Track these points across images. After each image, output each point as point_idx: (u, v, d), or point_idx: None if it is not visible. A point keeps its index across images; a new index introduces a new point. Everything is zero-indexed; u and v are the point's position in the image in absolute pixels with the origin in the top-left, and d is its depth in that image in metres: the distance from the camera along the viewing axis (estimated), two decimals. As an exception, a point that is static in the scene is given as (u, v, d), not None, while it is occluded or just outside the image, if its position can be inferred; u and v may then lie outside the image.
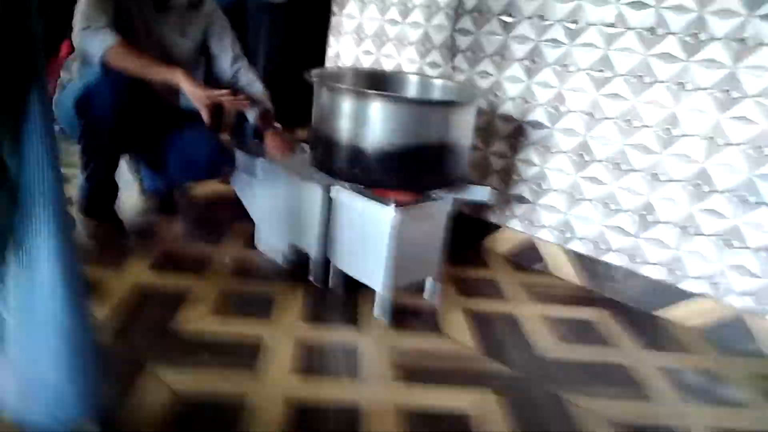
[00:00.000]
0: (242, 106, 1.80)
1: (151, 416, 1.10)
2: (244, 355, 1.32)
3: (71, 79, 1.82)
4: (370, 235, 1.52)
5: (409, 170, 1.45)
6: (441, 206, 1.59)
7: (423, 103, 1.45)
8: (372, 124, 1.41)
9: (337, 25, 2.46)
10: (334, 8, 2.45)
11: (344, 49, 2.46)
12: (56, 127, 2.69)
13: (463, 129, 1.48)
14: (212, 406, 1.15)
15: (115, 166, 1.84)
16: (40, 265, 0.72)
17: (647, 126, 1.70)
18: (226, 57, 1.96)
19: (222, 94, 1.69)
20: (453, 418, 1.20)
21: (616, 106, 1.75)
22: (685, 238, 1.69)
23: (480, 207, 2.12)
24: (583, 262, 1.89)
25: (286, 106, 2.06)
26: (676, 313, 1.72)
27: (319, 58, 2.51)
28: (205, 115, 1.68)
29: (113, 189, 1.87)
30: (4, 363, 0.74)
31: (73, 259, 0.77)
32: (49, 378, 0.75)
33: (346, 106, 1.44)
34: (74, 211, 1.87)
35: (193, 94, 1.66)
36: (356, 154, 1.45)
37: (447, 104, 1.45)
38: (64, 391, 0.76)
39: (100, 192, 1.82)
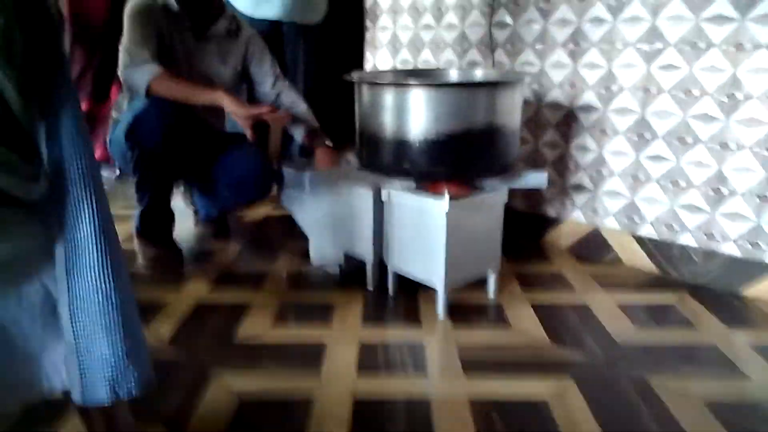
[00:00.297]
0: (283, 120, 1.82)
1: (220, 421, 1.07)
2: (308, 359, 1.29)
3: (122, 117, 1.89)
4: (424, 232, 1.48)
5: (458, 158, 1.41)
6: (495, 197, 1.53)
7: (465, 86, 1.41)
8: (416, 115, 1.38)
9: (371, 39, 2.47)
10: (368, 23, 2.47)
11: (381, 62, 2.46)
12: (115, 171, 2.81)
13: (510, 110, 1.43)
14: (279, 407, 1.12)
15: (169, 192, 1.88)
16: (86, 247, 0.73)
17: (707, 93, 1.60)
18: (267, 80, 2.00)
19: (263, 110, 1.71)
20: (531, 406, 1.12)
21: (671, 77, 1.66)
22: (764, 207, 1.56)
23: (537, 201, 2.04)
24: (655, 247, 1.78)
25: (328, 126, 2.07)
26: (764, 289, 1.58)
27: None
28: (248, 132, 1.70)
29: (169, 216, 1.91)
30: (63, 345, 0.74)
31: (114, 238, 0.78)
32: (106, 356, 0.74)
33: (388, 99, 1.42)
34: (133, 241, 1.91)
35: (236, 111, 1.69)
36: (403, 147, 1.42)
37: (491, 85, 1.41)
38: (122, 368, 0.75)
39: (157, 219, 1.86)
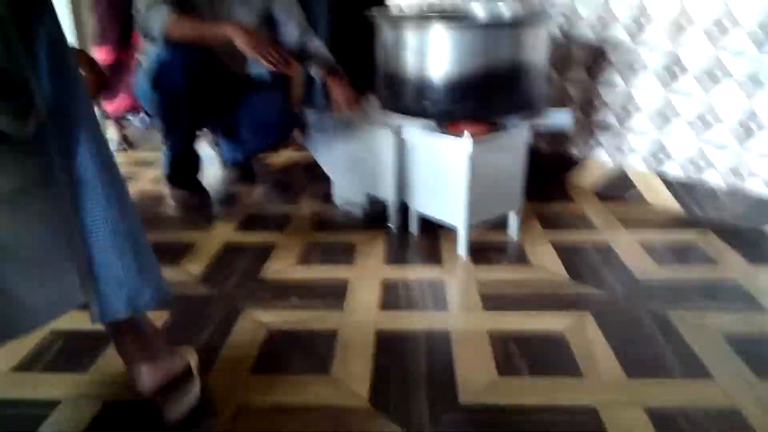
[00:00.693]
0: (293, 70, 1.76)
1: (250, 351, 1.13)
2: (332, 296, 1.33)
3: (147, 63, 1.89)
4: (445, 172, 1.48)
5: (481, 97, 1.39)
6: (518, 135, 1.52)
7: (489, 25, 1.38)
8: (438, 54, 1.36)
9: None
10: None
11: (406, 3, 2.40)
12: (143, 118, 2.84)
13: (535, 49, 1.40)
14: (306, 337, 1.17)
15: (194, 135, 1.91)
16: (89, 182, 0.78)
17: (740, 27, 1.54)
18: (293, 24, 1.97)
19: (272, 51, 1.68)
20: (549, 338, 1.15)
21: (706, 10, 1.59)
22: (797, 143, 1.52)
23: (560, 140, 2.02)
24: (680, 185, 1.76)
25: (349, 71, 2.04)
26: (793, 227, 1.56)
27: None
28: (262, 62, 1.67)
29: (195, 159, 1.95)
30: (77, 270, 0.80)
31: (115, 170, 0.83)
32: (120, 277, 0.82)
33: (410, 37, 1.40)
34: (162, 185, 1.96)
35: (246, 41, 1.66)
36: (425, 87, 1.41)
37: (515, 24, 1.37)
38: (138, 285, 0.83)
39: (183, 162, 1.90)
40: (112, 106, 2.65)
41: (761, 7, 1.49)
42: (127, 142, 2.70)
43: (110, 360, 1.11)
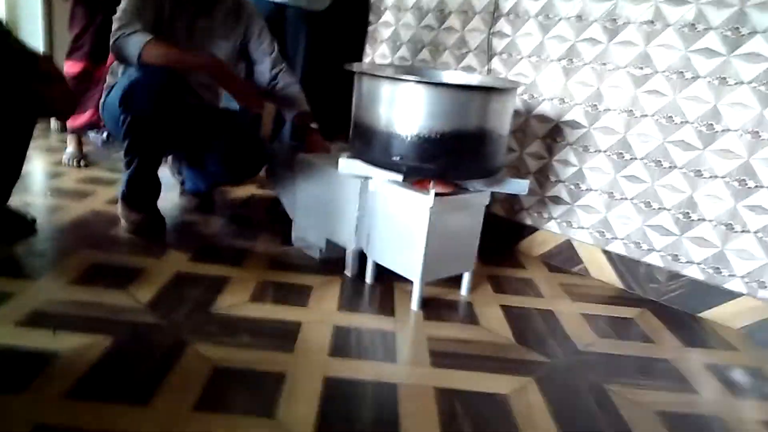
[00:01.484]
0: (270, 110, 1.81)
1: (193, 386, 1.10)
2: (283, 337, 1.32)
3: (116, 83, 1.88)
4: (407, 225, 1.52)
5: (447, 157, 1.45)
6: (478, 198, 1.59)
7: (462, 88, 1.45)
8: (411, 110, 1.43)
9: (373, 33, 2.51)
10: (371, 17, 2.50)
11: (380, 57, 2.50)
12: (103, 135, 2.80)
13: (501, 117, 1.49)
14: (252, 377, 1.16)
15: (158, 162, 1.89)
16: None
17: (688, 122, 1.68)
18: (266, 59, 2.02)
19: (252, 94, 1.72)
20: (493, 399, 1.18)
21: (656, 102, 1.73)
22: (730, 236, 1.64)
23: (515, 209, 2.11)
24: (623, 263, 1.86)
25: (320, 114, 2.10)
26: (721, 313, 1.67)
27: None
28: (236, 97, 1.70)
29: (155, 184, 1.92)
30: None
31: None
32: None
33: (385, 92, 1.46)
34: (117, 206, 1.92)
35: (223, 76, 1.70)
36: (395, 141, 1.46)
37: (485, 90, 1.46)
38: None
39: (142, 185, 1.87)
40: (74, 120, 2.60)
41: (705, 105, 1.64)
42: (84, 159, 2.64)
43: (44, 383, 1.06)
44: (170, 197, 2.21)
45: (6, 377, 1.07)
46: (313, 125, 1.99)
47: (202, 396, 1.08)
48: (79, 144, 2.67)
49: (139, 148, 1.80)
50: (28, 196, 2.12)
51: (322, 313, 1.47)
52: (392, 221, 1.57)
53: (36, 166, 2.57)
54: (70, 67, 2.54)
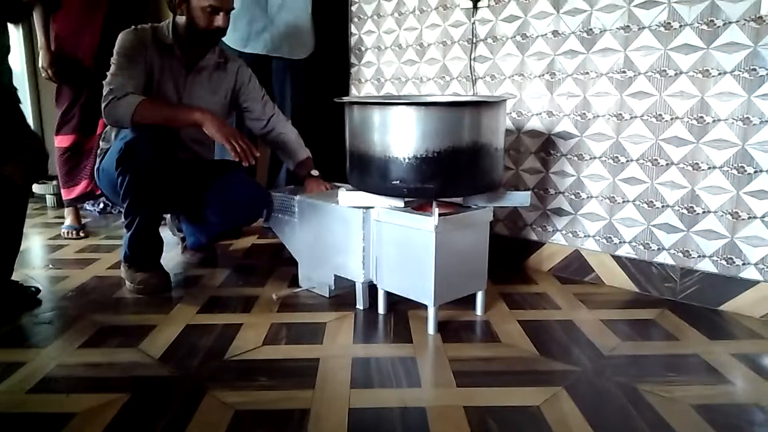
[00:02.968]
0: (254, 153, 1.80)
1: (216, 431, 1.07)
2: (301, 375, 1.29)
3: (110, 148, 1.90)
4: (414, 249, 1.51)
5: (446, 176, 1.46)
6: (482, 214, 1.58)
7: (453, 105, 1.47)
8: (404, 133, 1.44)
9: (356, 74, 2.56)
10: (353, 59, 2.56)
11: (366, 95, 2.54)
12: (99, 204, 2.81)
13: (494, 130, 1.50)
14: (275, 417, 1.12)
15: (159, 219, 1.89)
16: None
17: (678, 118, 1.70)
18: (258, 106, 2.05)
19: (239, 140, 1.73)
20: (525, 411, 1.14)
21: (644, 103, 1.76)
22: (737, 225, 1.63)
23: (519, 226, 2.10)
24: (635, 266, 1.84)
25: (314, 158, 2.12)
26: (741, 303, 1.64)
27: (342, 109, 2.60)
28: (228, 148, 1.72)
29: (158, 243, 1.91)
30: None
31: None
32: None
33: (377, 118, 1.47)
34: (121, 269, 1.91)
35: (216, 129, 1.71)
36: (392, 165, 1.47)
37: (476, 104, 1.47)
38: None
39: (146, 245, 1.86)
40: (69, 192, 2.61)
41: (692, 100, 1.66)
42: (83, 229, 2.64)
43: None
44: (172, 256, 2.20)
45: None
46: (314, 172, 2.01)
47: (226, 441, 1.04)
48: (77, 216, 2.68)
49: (139, 207, 1.79)
50: (30, 270, 2.10)
51: (338, 347, 1.44)
52: (399, 248, 1.56)
53: (35, 242, 2.57)
54: (60, 142, 2.57)
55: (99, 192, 2.61)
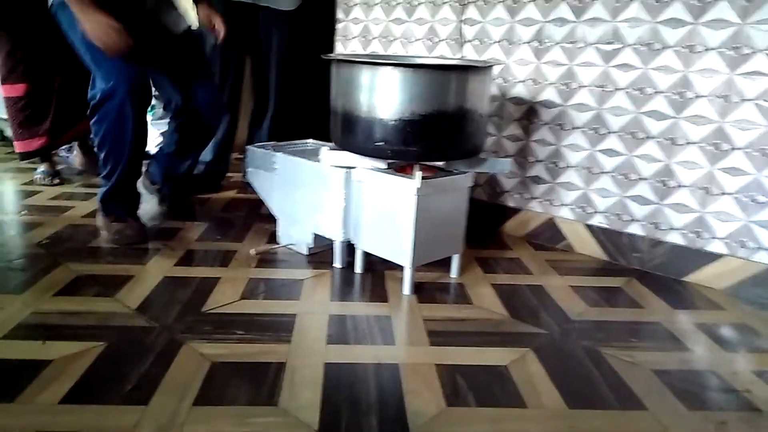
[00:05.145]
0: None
1: (192, 383, 1.09)
2: (278, 330, 1.31)
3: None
4: (395, 211, 1.53)
5: (430, 139, 1.46)
6: (463, 180, 1.60)
7: (441, 68, 1.47)
8: (391, 94, 1.43)
9: (343, 29, 2.51)
10: (340, 14, 2.51)
11: (351, 53, 2.50)
12: (73, 151, 2.73)
13: (479, 96, 1.50)
14: (251, 369, 1.15)
15: (137, 170, 1.86)
16: None
17: (660, 92, 1.71)
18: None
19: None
20: (494, 370, 1.18)
21: (627, 76, 1.77)
22: (708, 200, 1.68)
23: (497, 192, 2.13)
24: (606, 236, 1.89)
25: (296, 110, 2.10)
26: (705, 275, 1.70)
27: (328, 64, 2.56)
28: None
29: (135, 193, 1.90)
30: None
31: None
32: None
33: (364, 78, 1.46)
34: (97, 218, 1.89)
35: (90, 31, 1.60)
36: (377, 126, 1.47)
37: (464, 69, 1.47)
38: None
39: (123, 195, 1.84)
40: (27, 145, 2.51)
41: (675, 75, 1.68)
42: (58, 176, 2.59)
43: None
44: (149, 208, 2.18)
45: (-2, 388, 1.04)
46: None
47: (201, 391, 1.07)
48: (51, 162, 2.62)
49: (117, 156, 1.76)
50: (3, 215, 2.07)
51: (315, 304, 1.46)
52: (379, 209, 1.57)
53: (7, 186, 2.51)
54: (9, 91, 2.44)
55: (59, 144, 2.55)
